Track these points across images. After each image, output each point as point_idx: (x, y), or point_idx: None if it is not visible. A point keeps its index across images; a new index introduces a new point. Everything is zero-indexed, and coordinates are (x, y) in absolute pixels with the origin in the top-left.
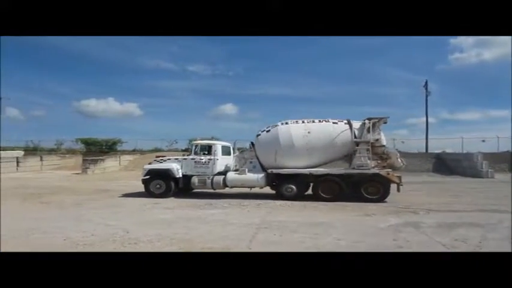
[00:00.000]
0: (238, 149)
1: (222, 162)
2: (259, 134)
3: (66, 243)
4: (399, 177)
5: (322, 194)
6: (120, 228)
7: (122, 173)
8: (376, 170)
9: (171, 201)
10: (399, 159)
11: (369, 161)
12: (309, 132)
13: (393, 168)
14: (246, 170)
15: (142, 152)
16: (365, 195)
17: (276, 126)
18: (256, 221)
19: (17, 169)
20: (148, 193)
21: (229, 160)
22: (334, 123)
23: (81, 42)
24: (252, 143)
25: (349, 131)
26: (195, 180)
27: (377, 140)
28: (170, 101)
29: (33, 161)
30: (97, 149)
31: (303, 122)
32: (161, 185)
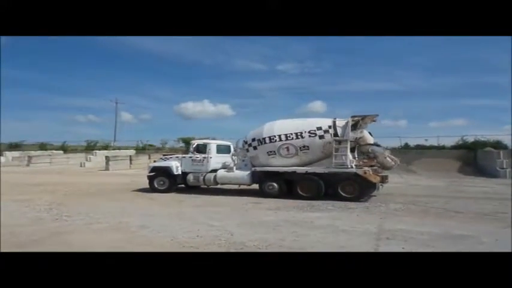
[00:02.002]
0: (240, 149)
1: (217, 160)
2: (249, 134)
3: (173, 243)
4: (382, 177)
5: (300, 193)
6: (224, 230)
7: None
8: (353, 169)
9: (272, 202)
10: (388, 158)
11: (348, 160)
12: (290, 130)
13: (385, 167)
14: (234, 167)
15: None
16: (342, 193)
17: (263, 125)
18: (372, 228)
19: (130, 166)
20: (152, 189)
21: (227, 158)
22: (318, 122)
23: (177, 47)
24: (245, 142)
25: (331, 129)
26: (190, 177)
27: (359, 138)
28: (260, 100)
29: (143, 159)
30: None
31: (293, 120)
32: (164, 181)
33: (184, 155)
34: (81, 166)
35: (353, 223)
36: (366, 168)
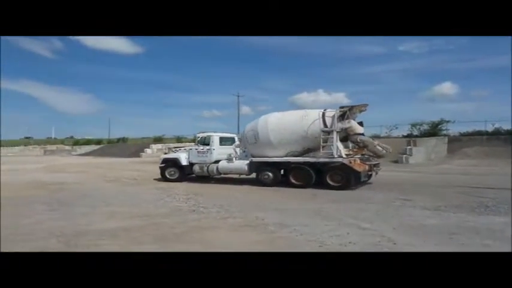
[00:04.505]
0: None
1: (220, 151)
2: (246, 127)
3: (324, 250)
4: (371, 165)
5: (293, 181)
6: (380, 235)
7: None
8: (340, 159)
9: (427, 199)
10: (378, 147)
11: (335, 150)
12: (282, 124)
13: (377, 155)
14: (234, 158)
15: None
16: (330, 182)
17: (259, 118)
18: None
19: None
20: (163, 179)
21: (231, 150)
22: (308, 113)
23: (289, 41)
24: None
25: (320, 120)
26: (196, 167)
27: (347, 128)
28: (378, 86)
29: None
30: None
31: (284, 113)
32: (174, 171)
33: (191, 147)
34: None
35: None
36: (353, 158)
